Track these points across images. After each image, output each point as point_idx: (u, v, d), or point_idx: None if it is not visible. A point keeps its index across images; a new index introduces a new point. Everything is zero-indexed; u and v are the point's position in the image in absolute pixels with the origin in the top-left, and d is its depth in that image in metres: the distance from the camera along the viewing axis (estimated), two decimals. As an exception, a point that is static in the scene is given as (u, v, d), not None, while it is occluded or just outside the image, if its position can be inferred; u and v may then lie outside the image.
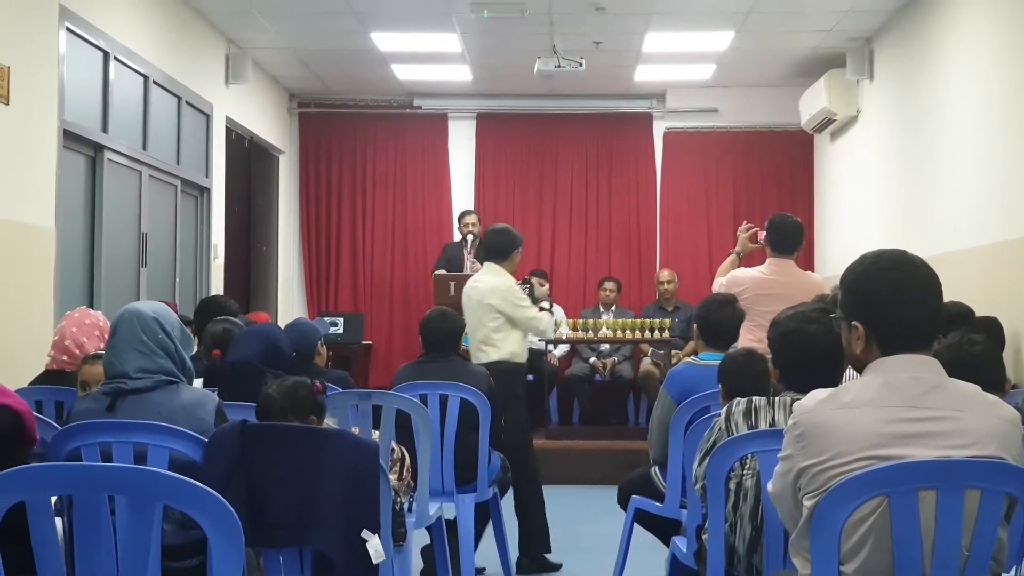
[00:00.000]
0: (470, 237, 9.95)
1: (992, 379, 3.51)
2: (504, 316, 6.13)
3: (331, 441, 3.10)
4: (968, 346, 3.50)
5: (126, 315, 3.43)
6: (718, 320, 4.93)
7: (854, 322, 2.56)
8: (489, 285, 6.17)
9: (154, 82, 7.84)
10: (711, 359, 4.72)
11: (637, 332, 8.98)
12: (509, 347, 6.16)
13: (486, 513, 5.69)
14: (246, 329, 4.70)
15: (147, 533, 2.35)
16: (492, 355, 6.11)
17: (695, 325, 5.00)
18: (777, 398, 3.50)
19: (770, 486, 2.68)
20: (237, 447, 3.09)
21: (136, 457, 3.20)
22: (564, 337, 9.30)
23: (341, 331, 10.60)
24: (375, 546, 2.99)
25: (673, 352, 9.15)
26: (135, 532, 2.37)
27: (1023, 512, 2.48)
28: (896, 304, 2.51)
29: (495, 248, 6.31)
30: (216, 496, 2.31)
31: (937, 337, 2.57)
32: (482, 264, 6.41)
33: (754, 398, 3.52)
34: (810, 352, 3.38)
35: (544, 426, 9.42)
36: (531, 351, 9.98)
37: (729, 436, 3.43)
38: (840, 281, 2.64)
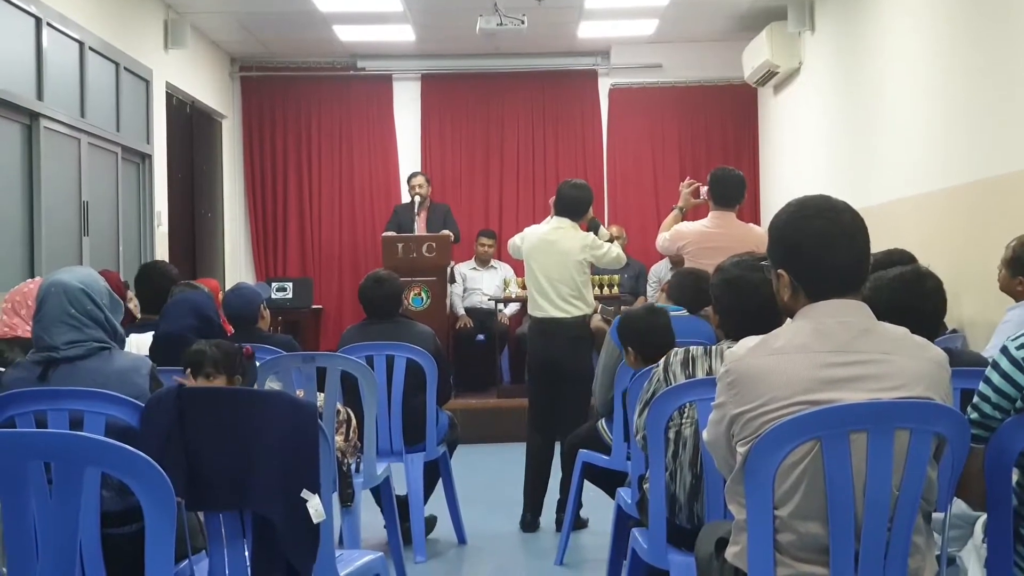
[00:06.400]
0: (418, 199, 9.92)
1: (938, 315, 3.52)
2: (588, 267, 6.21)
3: (268, 403, 3.09)
4: (925, 280, 3.46)
5: (52, 288, 3.37)
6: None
7: (779, 270, 2.57)
8: (579, 243, 6.13)
9: (90, 48, 7.70)
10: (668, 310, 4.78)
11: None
12: (591, 298, 6.27)
13: (436, 472, 5.71)
14: (174, 299, 4.69)
15: (76, 499, 2.32)
16: (584, 308, 6.17)
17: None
18: (714, 346, 3.52)
19: (705, 434, 2.69)
20: (174, 411, 3.06)
21: (73, 424, 3.15)
22: (514, 296, 9.31)
23: (290, 296, 10.54)
24: (315, 506, 2.98)
25: (623, 308, 9.17)
26: (64, 498, 2.34)
27: (951, 451, 2.52)
28: (820, 251, 2.52)
29: (574, 204, 6.18)
30: (145, 459, 2.28)
31: (864, 281, 2.59)
32: (554, 216, 6.23)
33: (691, 347, 3.54)
34: (751, 300, 3.35)
35: (496, 385, 9.43)
36: (482, 311, 10.06)
37: (668, 386, 3.45)
38: (768, 230, 2.65)
